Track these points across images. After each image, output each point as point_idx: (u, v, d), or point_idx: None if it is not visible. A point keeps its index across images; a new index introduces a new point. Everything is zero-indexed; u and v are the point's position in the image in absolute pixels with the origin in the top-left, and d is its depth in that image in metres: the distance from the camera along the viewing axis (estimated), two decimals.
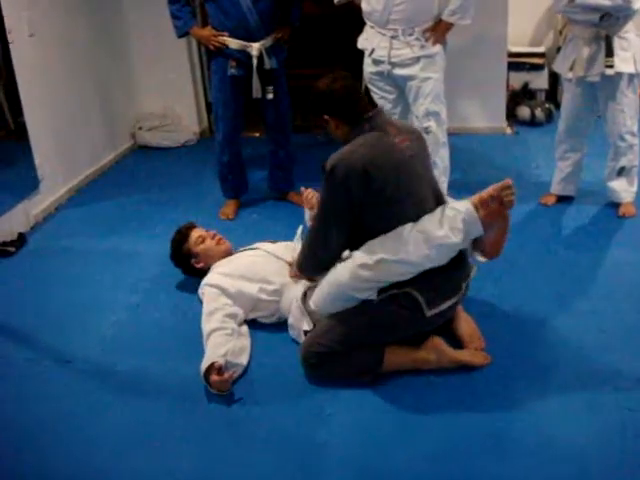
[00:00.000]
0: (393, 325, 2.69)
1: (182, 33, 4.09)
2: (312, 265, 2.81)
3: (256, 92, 4.02)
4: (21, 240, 4.04)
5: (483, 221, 2.56)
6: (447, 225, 2.56)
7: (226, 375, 2.61)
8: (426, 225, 2.58)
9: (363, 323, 2.66)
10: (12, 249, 3.93)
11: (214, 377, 2.61)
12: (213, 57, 4.08)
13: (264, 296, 2.99)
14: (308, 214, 3.17)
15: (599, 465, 2.26)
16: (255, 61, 3.94)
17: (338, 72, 2.76)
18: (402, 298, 2.62)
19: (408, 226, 2.59)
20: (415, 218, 2.62)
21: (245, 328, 3.00)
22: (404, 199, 2.61)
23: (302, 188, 3.16)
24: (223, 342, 2.77)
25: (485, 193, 2.58)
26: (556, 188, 4.22)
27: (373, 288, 2.61)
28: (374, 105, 2.77)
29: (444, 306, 2.70)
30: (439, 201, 2.75)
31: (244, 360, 2.80)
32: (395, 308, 2.63)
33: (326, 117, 2.73)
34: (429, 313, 2.65)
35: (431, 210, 2.67)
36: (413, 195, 2.64)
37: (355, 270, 2.59)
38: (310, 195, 3.12)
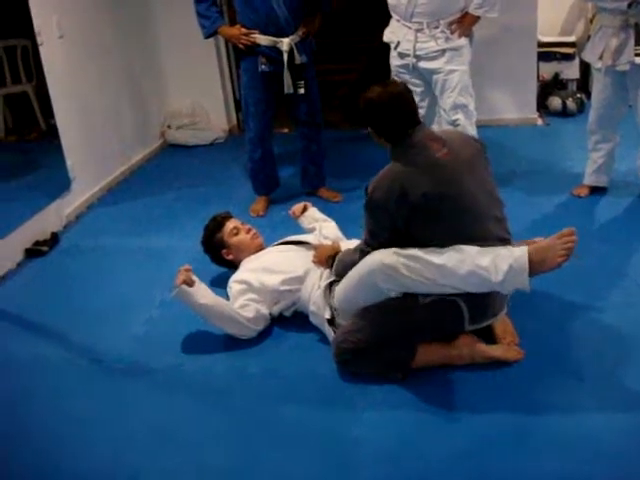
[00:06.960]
0: (429, 329, 2.66)
1: (210, 33, 4.07)
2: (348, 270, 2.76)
3: (288, 88, 4.00)
4: (54, 239, 4.09)
5: (533, 270, 2.47)
6: (492, 260, 2.46)
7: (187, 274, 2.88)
8: (473, 249, 2.49)
9: (398, 323, 2.62)
10: (45, 248, 3.98)
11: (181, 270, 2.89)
12: (243, 55, 4.06)
13: (286, 287, 2.99)
14: (305, 225, 3.48)
15: (635, 464, 2.22)
16: (286, 56, 3.93)
17: (388, 84, 2.67)
18: (446, 306, 2.57)
19: (455, 246, 2.52)
20: (473, 236, 2.54)
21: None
22: (456, 215, 2.53)
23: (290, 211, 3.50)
24: (223, 304, 2.94)
25: (544, 242, 2.51)
26: (589, 179, 4.16)
27: (398, 284, 2.54)
28: (417, 121, 2.63)
29: (484, 324, 2.70)
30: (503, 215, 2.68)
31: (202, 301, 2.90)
32: (436, 315, 2.59)
33: (370, 129, 2.67)
34: (469, 328, 2.65)
35: (494, 227, 2.60)
36: (467, 211, 2.55)
37: (388, 253, 2.53)
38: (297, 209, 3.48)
